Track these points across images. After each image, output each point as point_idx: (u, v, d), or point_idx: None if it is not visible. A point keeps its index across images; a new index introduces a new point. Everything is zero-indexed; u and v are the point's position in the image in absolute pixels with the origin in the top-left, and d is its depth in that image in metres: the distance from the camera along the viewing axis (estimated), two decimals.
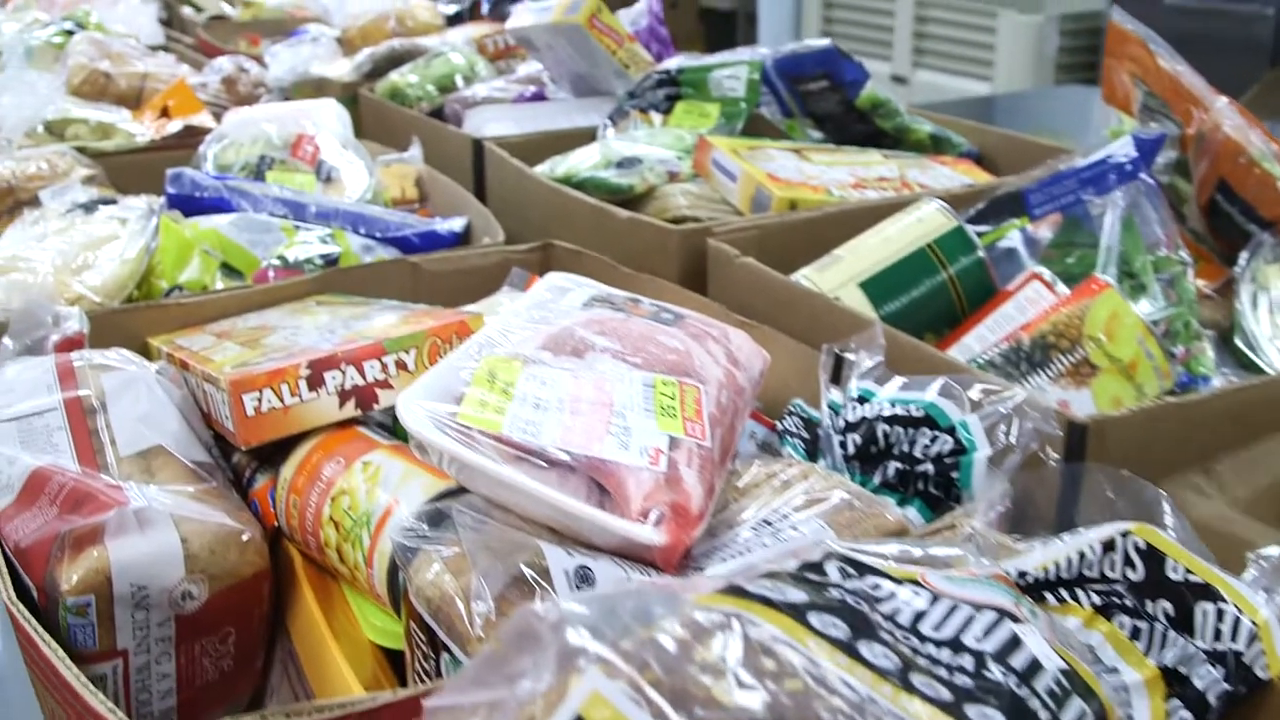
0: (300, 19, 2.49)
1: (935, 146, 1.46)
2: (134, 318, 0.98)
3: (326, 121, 1.52)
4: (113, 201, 1.22)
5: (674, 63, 1.42)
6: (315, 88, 1.79)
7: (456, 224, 1.26)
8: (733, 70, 1.37)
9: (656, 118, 1.43)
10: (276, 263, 1.15)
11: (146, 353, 0.98)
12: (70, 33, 1.87)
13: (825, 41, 1.40)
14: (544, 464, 0.58)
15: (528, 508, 0.59)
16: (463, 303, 1.08)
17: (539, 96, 1.57)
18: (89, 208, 1.18)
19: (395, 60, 1.78)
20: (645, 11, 1.79)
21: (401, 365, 0.73)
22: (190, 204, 1.22)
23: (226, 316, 1.01)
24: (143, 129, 1.52)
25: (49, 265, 1.02)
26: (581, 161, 1.29)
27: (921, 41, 4.34)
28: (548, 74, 1.62)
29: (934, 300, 0.97)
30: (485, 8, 2.06)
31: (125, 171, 1.43)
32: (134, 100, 1.68)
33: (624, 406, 0.63)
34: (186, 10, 2.63)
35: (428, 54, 1.70)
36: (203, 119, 1.53)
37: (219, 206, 1.22)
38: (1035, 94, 3.78)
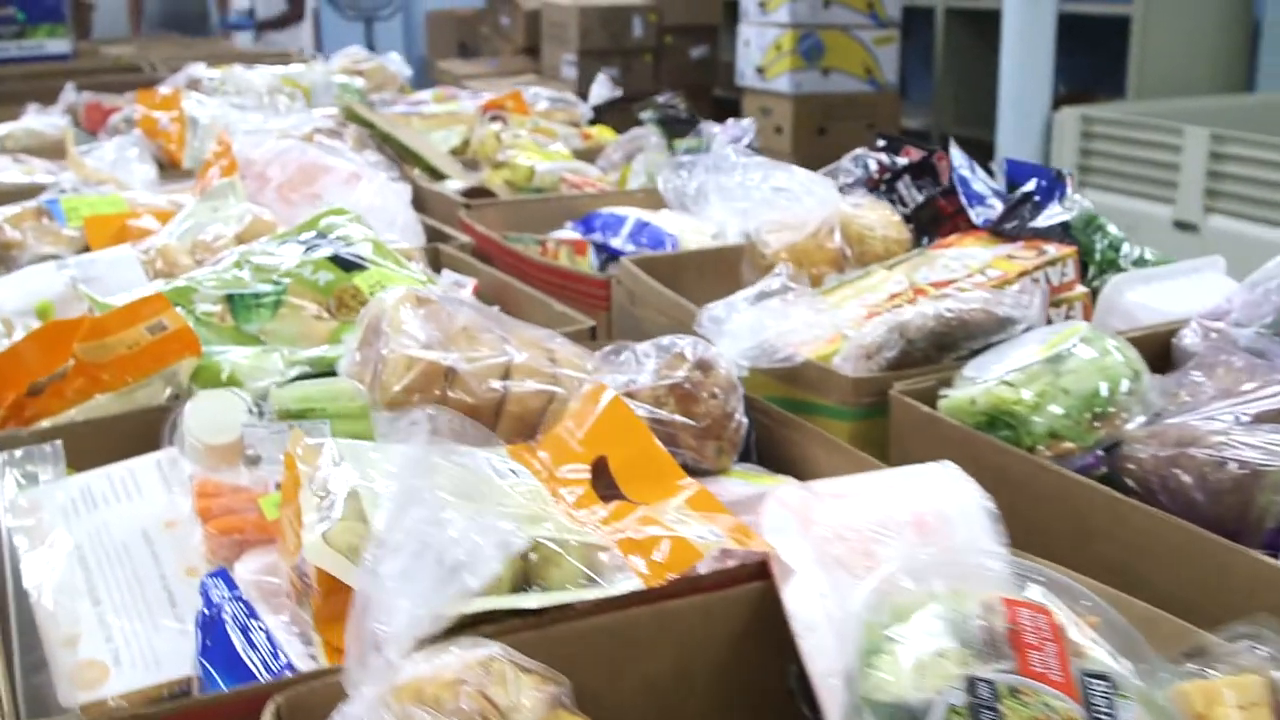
0: (597, 196, 1.73)
1: None
2: None
3: (969, 518, 0.73)
4: None
5: None
6: (785, 379, 1.01)
7: None
8: None
9: None
10: None
11: None
12: (342, 265, 1.10)
13: None
14: None
15: None
16: None
17: None
18: None
19: (942, 339, 1.00)
20: None
21: None
22: None
23: None
24: (573, 534, 0.73)
25: None
26: None
27: (1218, 182, 3.55)
28: None
29: None
30: (1005, 218, 1.25)
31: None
32: (489, 417, 0.90)
33: None
34: (414, 175, 1.88)
35: (1054, 350, 0.91)
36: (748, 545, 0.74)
37: None
38: None
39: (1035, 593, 0.65)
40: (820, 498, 0.74)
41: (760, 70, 4.61)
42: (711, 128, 1.79)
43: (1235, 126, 3.59)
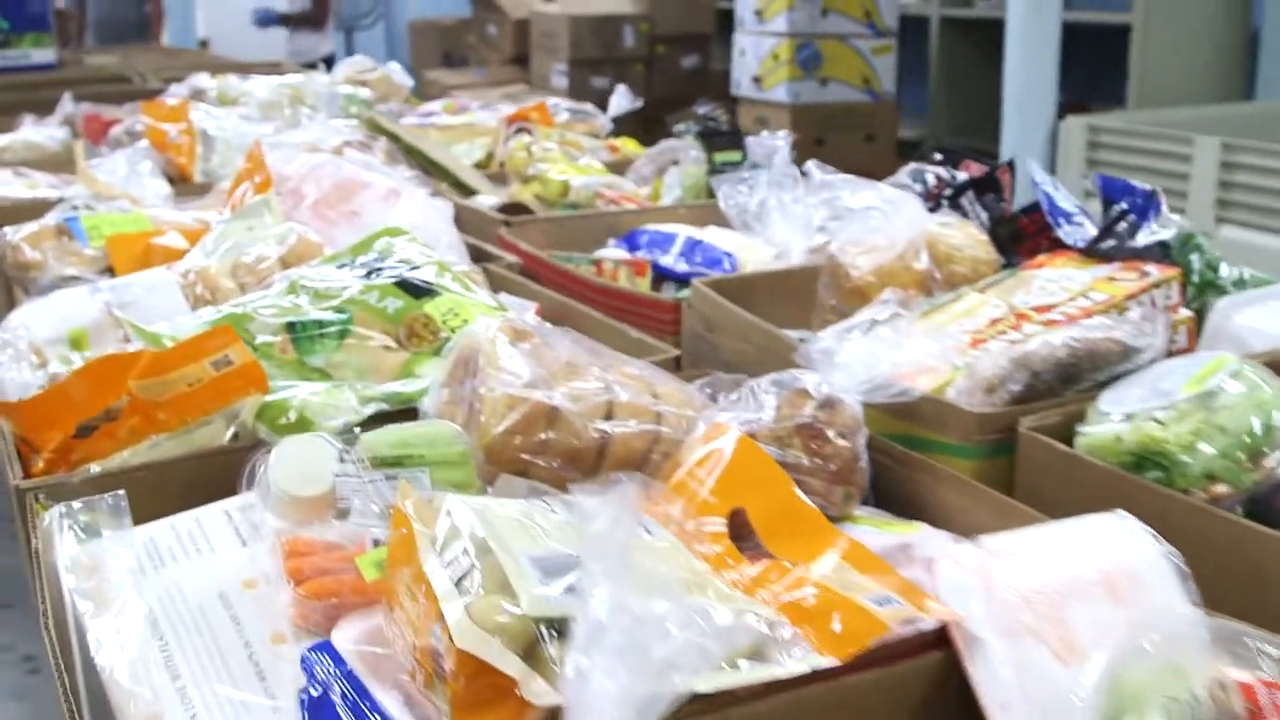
0: (640, 212, 1.65)
1: None
2: None
3: (1159, 575, 0.66)
4: None
5: None
6: (899, 414, 0.94)
7: None
8: None
9: None
10: None
11: None
12: (411, 291, 1.02)
13: None
14: None
15: None
16: None
17: None
18: None
19: (1068, 371, 0.93)
20: None
21: None
22: None
23: None
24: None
25: None
26: None
27: (1229, 192, 3.51)
28: None
29: None
30: (1102, 237, 1.18)
31: None
32: (592, 459, 0.82)
33: None
34: (443, 190, 1.80)
35: (1204, 384, 0.84)
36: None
37: None
38: None
39: (1267, 666, 0.59)
40: (997, 556, 0.66)
41: (757, 80, 4.55)
42: (770, 140, 1.69)
43: (1239, 135, 3.56)
